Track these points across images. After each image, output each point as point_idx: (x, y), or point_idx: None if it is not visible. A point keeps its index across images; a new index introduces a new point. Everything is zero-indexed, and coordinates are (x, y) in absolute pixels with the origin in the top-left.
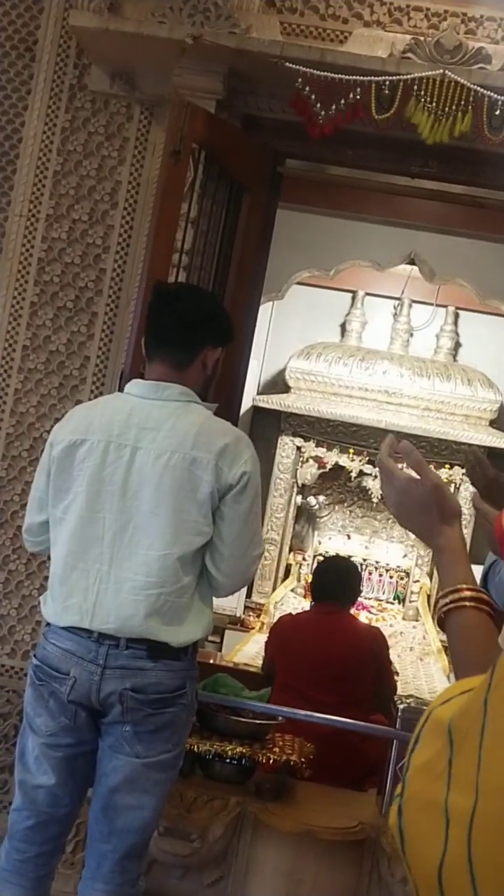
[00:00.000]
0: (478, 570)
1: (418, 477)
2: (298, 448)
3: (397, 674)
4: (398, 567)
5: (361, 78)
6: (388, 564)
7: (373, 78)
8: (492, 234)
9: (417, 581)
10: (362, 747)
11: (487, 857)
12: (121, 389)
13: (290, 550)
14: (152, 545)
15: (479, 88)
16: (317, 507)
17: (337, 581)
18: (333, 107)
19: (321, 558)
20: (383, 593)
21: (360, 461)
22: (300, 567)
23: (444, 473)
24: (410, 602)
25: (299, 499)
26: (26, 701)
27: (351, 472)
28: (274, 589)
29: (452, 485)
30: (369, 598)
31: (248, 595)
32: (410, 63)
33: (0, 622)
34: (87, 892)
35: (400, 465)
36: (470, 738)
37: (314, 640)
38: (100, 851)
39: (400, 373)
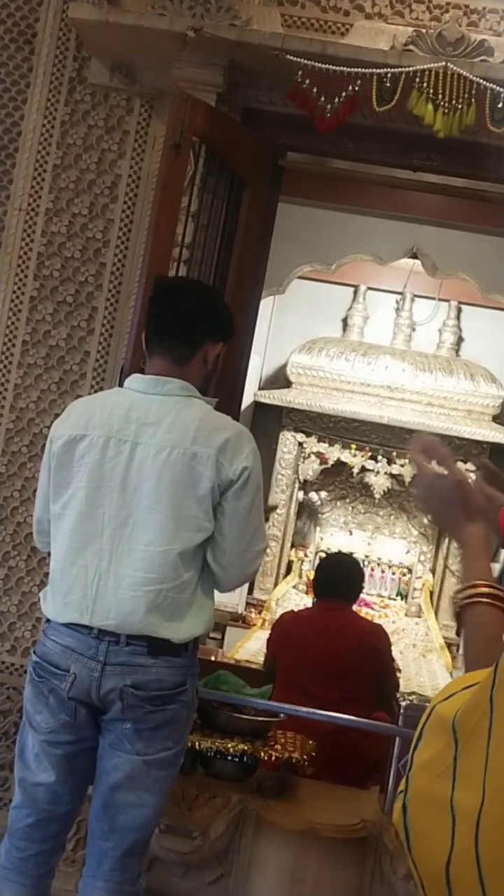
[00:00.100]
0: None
1: (445, 472)
2: (300, 444)
3: (399, 671)
4: (400, 563)
5: (363, 70)
6: (390, 561)
7: (374, 70)
8: (494, 228)
9: (420, 577)
10: (365, 744)
11: (495, 854)
12: (121, 384)
13: (292, 547)
14: (152, 541)
15: (481, 81)
16: (318, 503)
17: (339, 577)
18: (336, 99)
19: (323, 555)
20: (385, 590)
21: (363, 457)
22: (302, 563)
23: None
24: (413, 598)
25: (301, 495)
26: (26, 698)
27: (353, 467)
28: (276, 585)
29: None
30: (371, 595)
31: (250, 592)
32: (412, 55)
33: (0, 619)
34: (87, 890)
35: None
36: (476, 735)
37: (316, 637)
38: (100, 849)
39: (402, 368)
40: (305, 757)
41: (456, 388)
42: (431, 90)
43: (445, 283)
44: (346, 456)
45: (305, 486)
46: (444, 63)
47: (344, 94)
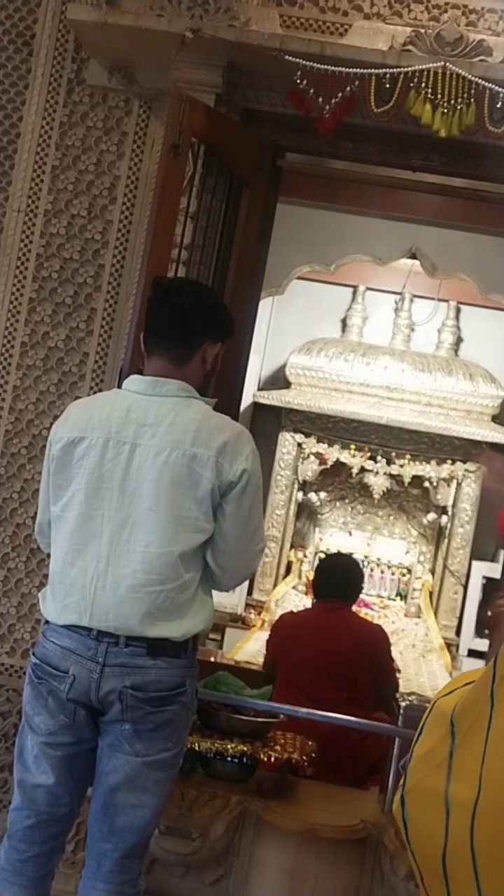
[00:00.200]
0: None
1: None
2: (299, 444)
3: (399, 671)
4: (400, 564)
5: (361, 71)
6: (389, 561)
7: (373, 70)
8: (493, 228)
9: (419, 578)
10: (364, 745)
11: (490, 847)
12: (120, 385)
13: (292, 547)
14: (151, 542)
15: (480, 81)
16: (318, 503)
17: (339, 578)
18: (333, 100)
19: (323, 555)
20: (385, 590)
21: (362, 457)
22: (301, 564)
23: (445, 469)
24: (412, 599)
25: (300, 495)
26: (25, 699)
27: (352, 468)
28: (275, 586)
29: (454, 481)
30: (371, 595)
31: (250, 593)
32: (411, 55)
33: (0, 620)
34: (87, 892)
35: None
36: (475, 730)
37: (316, 638)
38: (100, 851)
39: (401, 368)
40: (305, 758)
41: (455, 388)
42: (430, 90)
43: (444, 283)
44: (345, 456)
45: (305, 486)
46: (442, 63)
47: (341, 94)
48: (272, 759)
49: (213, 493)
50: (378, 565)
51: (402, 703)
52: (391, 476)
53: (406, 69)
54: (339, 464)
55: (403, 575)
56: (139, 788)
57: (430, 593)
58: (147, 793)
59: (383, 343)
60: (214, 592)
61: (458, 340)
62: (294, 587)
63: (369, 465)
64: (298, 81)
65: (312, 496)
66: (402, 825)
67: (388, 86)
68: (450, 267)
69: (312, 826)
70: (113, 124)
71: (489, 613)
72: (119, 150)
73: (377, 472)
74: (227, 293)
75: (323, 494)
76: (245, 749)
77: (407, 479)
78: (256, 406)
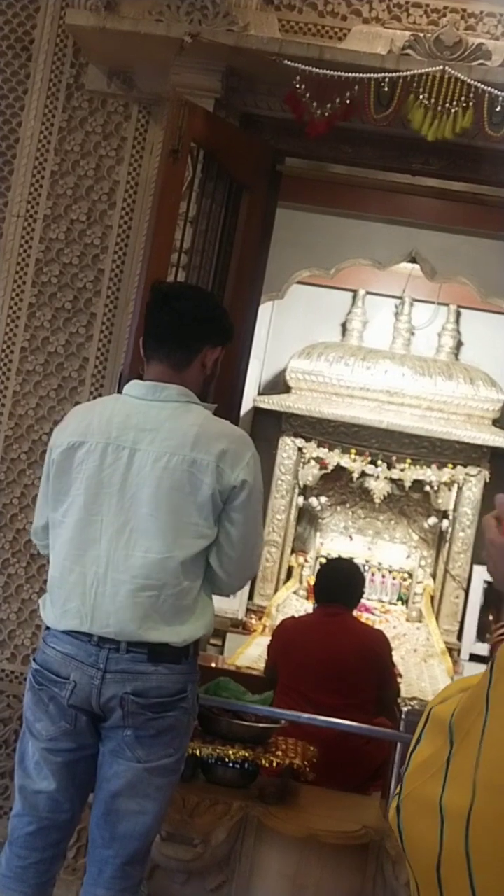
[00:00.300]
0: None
1: None
2: (300, 449)
3: (401, 676)
4: (401, 568)
5: (361, 75)
6: (391, 566)
7: (372, 75)
8: (493, 232)
9: (421, 582)
10: (366, 750)
11: (485, 854)
12: (119, 391)
13: (292, 552)
14: (151, 548)
15: (479, 85)
16: (319, 508)
17: (340, 583)
18: (329, 105)
19: (323, 560)
20: (386, 595)
21: (362, 461)
22: (302, 569)
23: (446, 473)
24: (414, 603)
25: (301, 500)
26: (26, 706)
27: (353, 472)
28: (276, 591)
29: (455, 485)
30: (372, 600)
31: (250, 598)
32: (410, 60)
33: (0, 626)
34: None
35: None
36: (470, 736)
37: (317, 643)
38: (101, 857)
39: (402, 372)
40: (307, 763)
41: (455, 392)
42: (428, 95)
43: (444, 287)
44: (345, 461)
45: (305, 491)
46: (441, 67)
47: (339, 99)
48: (274, 765)
49: (213, 499)
50: (379, 570)
51: (404, 709)
52: (392, 480)
53: (405, 73)
54: (339, 468)
55: (405, 579)
56: (140, 794)
57: (432, 598)
58: (148, 799)
59: (383, 347)
60: (215, 598)
61: (459, 344)
62: (295, 592)
63: (370, 469)
64: (297, 86)
65: (313, 501)
66: (397, 833)
67: (387, 90)
68: (450, 271)
69: (314, 832)
70: (112, 129)
71: (489, 645)
72: (118, 155)
73: (378, 477)
74: (226, 298)
75: (324, 499)
76: (246, 755)
77: (408, 484)
78: (257, 411)
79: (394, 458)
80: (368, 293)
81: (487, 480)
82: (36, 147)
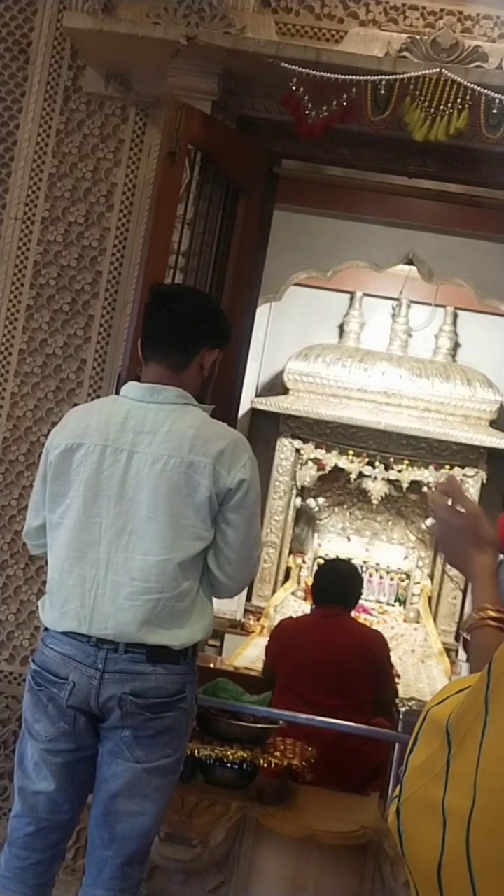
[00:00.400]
0: None
1: (460, 508)
2: (297, 450)
3: (399, 676)
4: (399, 569)
5: (358, 78)
6: (388, 566)
7: (369, 77)
8: (490, 234)
9: (418, 583)
10: (364, 751)
11: (486, 857)
12: (117, 392)
13: (290, 553)
14: (150, 550)
15: (476, 87)
16: (316, 509)
17: (338, 584)
18: (325, 107)
19: (321, 561)
20: (384, 595)
21: (360, 463)
22: (300, 570)
23: (443, 474)
24: (411, 604)
25: (299, 501)
26: (25, 706)
27: (350, 473)
28: (274, 592)
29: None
30: (370, 601)
31: (248, 598)
32: (407, 62)
33: None
34: None
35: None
36: (470, 737)
37: (315, 644)
38: (100, 857)
39: (399, 374)
40: (305, 763)
41: (453, 393)
42: (425, 97)
43: (441, 288)
44: (343, 462)
45: (303, 492)
46: (438, 69)
47: (336, 102)
48: (272, 765)
49: (210, 501)
50: (377, 570)
51: (402, 709)
52: (389, 481)
53: (402, 76)
54: (337, 469)
55: (402, 580)
56: (139, 795)
57: (429, 598)
58: (147, 799)
59: (381, 349)
60: (214, 599)
61: (456, 346)
62: (293, 593)
63: (367, 470)
64: (295, 88)
65: (311, 502)
66: (397, 836)
67: (383, 93)
68: (446, 272)
69: (313, 832)
70: (109, 132)
71: (465, 634)
72: (116, 158)
73: (375, 478)
74: (224, 300)
75: (321, 500)
76: (245, 755)
77: (405, 485)
78: (254, 412)
79: (391, 460)
80: (365, 295)
81: (485, 481)
82: (34, 149)
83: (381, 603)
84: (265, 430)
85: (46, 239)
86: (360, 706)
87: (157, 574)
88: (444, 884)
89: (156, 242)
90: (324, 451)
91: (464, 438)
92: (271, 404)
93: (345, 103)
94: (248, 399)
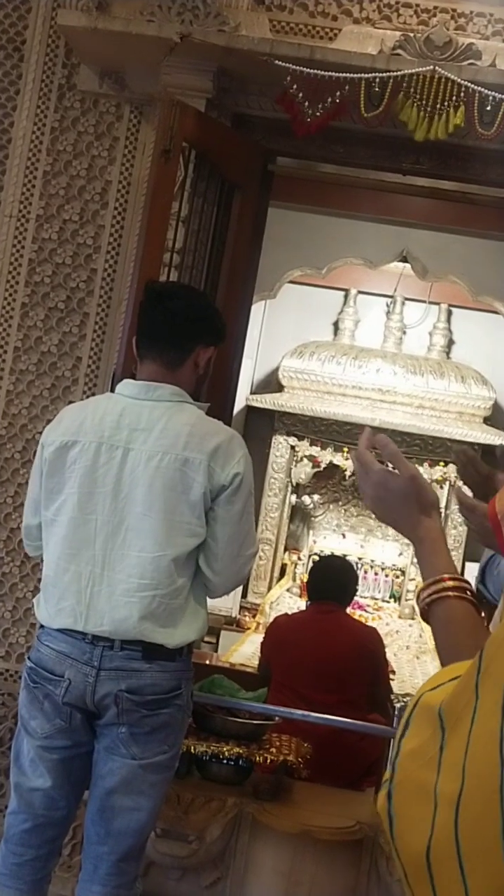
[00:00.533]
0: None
1: (395, 470)
2: (292, 447)
3: (394, 673)
4: (393, 565)
5: (351, 75)
6: (383, 563)
7: (363, 75)
8: (484, 231)
9: (413, 579)
10: (360, 747)
11: (474, 840)
12: (112, 390)
13: (285, 550)
14: (145, 547)
15: (469, 84)
16: (311, 506)
17: (333, 580)
18: (320, 105)
19: (316, 558)
20: (379, 592)
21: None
22: (295, 567)
23: (438, 471)
24: (406, 600)
25: (294, 498)
26: (21, 703)
27: (345, 470)
28: (269, 589)
29: (447, 483)
30: (365, 597)
31: (244, 595)
32: (400, 59)
33: None
34: (84, 895)
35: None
36: (461, 723)
37: (311, 640)
38: (96, 854)
39: (393, 371)
40: (301, 760)
41: (447, 390)
42: (419, 95)
43: (435, 286)
44: (338, 459)
45: (298, 489)
46: (432, 67)
47: (330, 99)
48: (268, 762)
49: (205, 497)
50: (372, 567)
51: (398, 705)
52: None
53: (396, 73)
54: (332, 466)
55: (397, 576)
56: (135, 791)
57: None
58: (143, 795)
59: (375, 346)
60: (209, 598)
61: (450, 343)
62: (288, 590)
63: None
64: (289, 87)
65: (306, 499)
66: (386, 821)
67: (377, 90)
68: (441, 270)
69: (308, 828)
70: (104, 129)
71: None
72: (110, 155)
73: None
74: (219, 297)
75: (316, 497)
76: (241, 751)
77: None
78: (249, 409)
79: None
80: (360, 292)
81: None
82: (28, 147)
83: (375, 599)
84: (260, 427)
85: (41, 237)
86: (356, 702)
87: (152, 571)
88: (433, 867)
89: (150, 240)
90: (319, 448)
91: (458, 435)
92: (266, 401)
93: (338, 101)
94: (242, 396)
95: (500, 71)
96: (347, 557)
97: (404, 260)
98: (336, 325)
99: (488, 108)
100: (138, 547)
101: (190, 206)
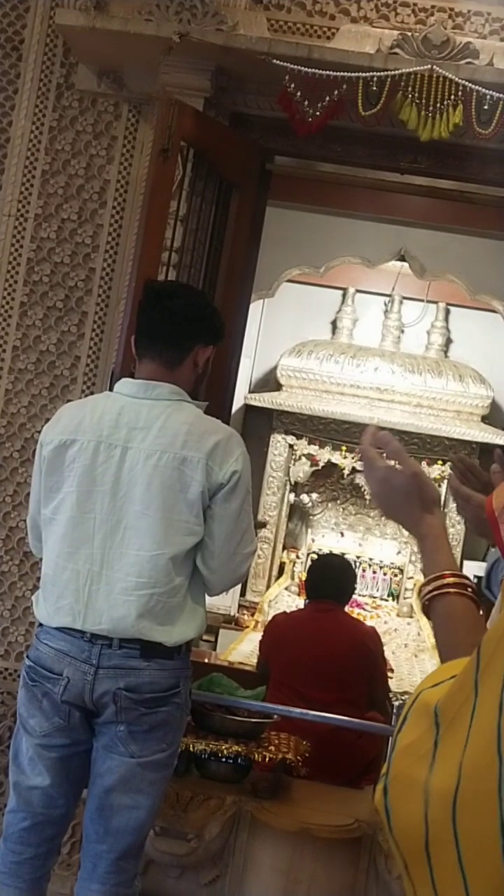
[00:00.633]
0: (472, 565)
1: (398, 466)
2: (291, 446)
3: (392, 671)
4: (392, 564)
5: (349, 74)
6: (381, 561)
7: (360, 74)
8: (481, 230)
9: (411, 578)
10: (358, 745)
11: (473, 833)
12: (111, 389)
13: (284, 548)
14: (143, 546)
15: (467, 83)
16: (310, 504)
17: (331, 579)
18: (320, 104)
19: (315, 556)
20: (377, 590)
21: (353, 458)
22: (294, 565)
23: (436, 469)
24: (404, 599)
25: (292, 497)
26: (20, 702)
27: (343, 469)
28: (268, 587)
29: (445, 481)
30: (363, 596)
31: (243, 594)
32: (398, 59)
33: None
34: (83, 893)
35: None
36: (459, 719)
37: (309, 639)
38: (95, 852)
39: (391, 369)
40: (299, 758)
41: (445, 389)
42: (417, 94)
43: (433, 284)
44: (336, 458)
45: (296, 488)
46: (429, 66)
47: (328, 98)
48: (266, 760)
49: (203, 496)
50: (370, 565)
51: (396, 703)
52: None
53: (393, 72)
54: (330, 465)
55: (395, 575)
56: (134, 789)
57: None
58: (142, 794)
59: (373, 345)
60: (207, 597)
61: (448, 342)
62: (287, 588)
63: (361, 465)
64: (288, 85)
65: (304, 497)
66: (384, 814)
67: (375, 89)
68: (438, 269)
69: (307, 826)
70: (102, 128)
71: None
72: (109, 155)
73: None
74: (217, 296)
75: (315, 495)
76: (239, 750)
77: None
78: (248, 408)
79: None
80: (358, 291)
81: None
82: (26, 146)
83: (374, 598)
84: (258, 426)
85: (40, 236)
86: (354, 701)
87: (150, 569)
88: (433, 858)
89: (149, 239)
90: (317, 447)
91: (456, 434)
92: (264, 400)
93: (336, 99)
94: (241, 395)
95: (497, 70)
96: (346, 556)
97: (402, 259)
98: (334, 323)
99: (486, 106)
100: (136, 545)
101: (188, 205)
